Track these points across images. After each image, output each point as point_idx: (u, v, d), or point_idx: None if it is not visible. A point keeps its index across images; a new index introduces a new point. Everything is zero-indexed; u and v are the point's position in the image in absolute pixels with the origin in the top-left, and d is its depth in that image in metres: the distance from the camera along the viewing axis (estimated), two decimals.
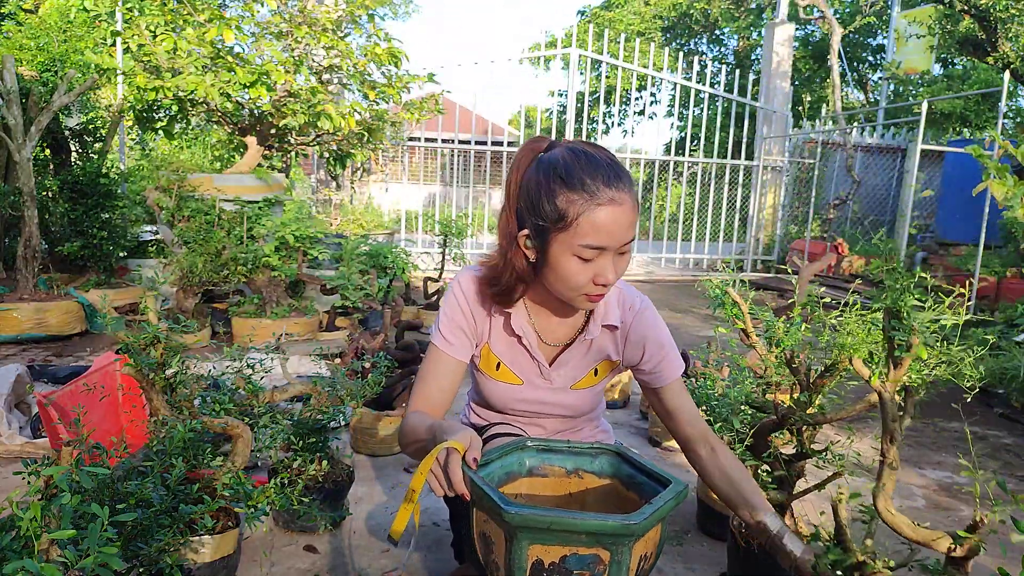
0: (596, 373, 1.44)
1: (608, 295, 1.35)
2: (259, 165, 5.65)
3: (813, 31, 16.57)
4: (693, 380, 1.46)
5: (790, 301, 3.77)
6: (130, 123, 5.88)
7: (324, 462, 1.85)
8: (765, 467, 1.41)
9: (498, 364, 1.42)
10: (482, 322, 1.40)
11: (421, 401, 1.34)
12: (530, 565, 0.97)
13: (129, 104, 5.36)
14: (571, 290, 1.25)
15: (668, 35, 20.63)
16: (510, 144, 9.29)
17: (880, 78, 13.95)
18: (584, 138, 6.55)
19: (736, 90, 9.33)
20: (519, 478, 1.22)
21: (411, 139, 9.50)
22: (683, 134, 10.02)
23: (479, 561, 1.37)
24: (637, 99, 17.40)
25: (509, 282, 1.31)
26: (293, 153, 6.73)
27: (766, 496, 1.36)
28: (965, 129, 10.85)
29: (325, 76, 5.88)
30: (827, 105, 11.62)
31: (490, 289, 1.35)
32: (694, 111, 9.55)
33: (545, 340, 1.41)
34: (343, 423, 2.57)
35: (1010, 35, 6.38)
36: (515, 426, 1.45)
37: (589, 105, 17.77)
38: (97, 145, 5.88)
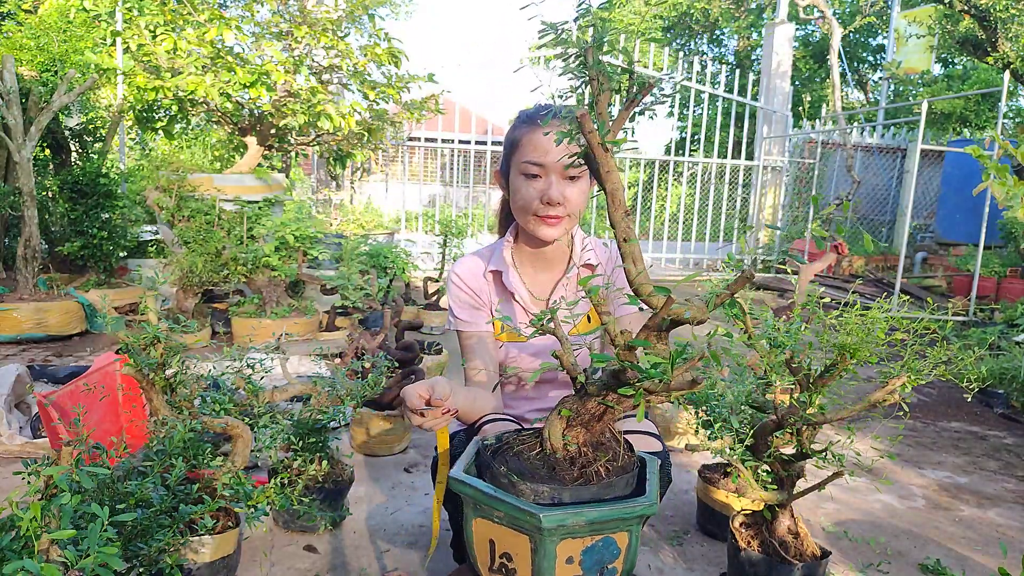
0: (589, 320, 1.58)
1: (586, 242, 1.59)
2: (259, 165, 5.66)
3: (813, 31, 16.57)
4: None
5: (790, 301, 3.77)
6: (130, 123, 5.88)
7: (324, 462, 1.85)
8: (765, 467, 1.40)
9: (503, 327, 1.59)
10: (482, 292, 1.59)
11: (472, 374, 1.53)
12: (476, 538, 0.99)
13: (129, 104, 5.36)
14: (526, 211, 1.45)
15: (668, 35, 20.63)
16: None
17: (880, 78, 13.94)
18: None
19: (736, 90, 9.33)
20: None
21: (411, 139, 9.50)
22: (683, 134, 10.02)
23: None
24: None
25: (501, 218, 1.66)
26: (293, 153, 6.73)
27: (763, 494, 1.36)
28: (965, 129, 10.85)
29: (325, 76, 5.88)
30: (827, 105, 11.60)
31: (501, 226, 1.67)
32: (694, 111, 9.53)
33: (536, 295, 1.60)
34: (343, 423, 2.57)
35: (1010, 35, 6.38)
36: (515, 415, 1.56)
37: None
38: (97, 145, 5.89)
